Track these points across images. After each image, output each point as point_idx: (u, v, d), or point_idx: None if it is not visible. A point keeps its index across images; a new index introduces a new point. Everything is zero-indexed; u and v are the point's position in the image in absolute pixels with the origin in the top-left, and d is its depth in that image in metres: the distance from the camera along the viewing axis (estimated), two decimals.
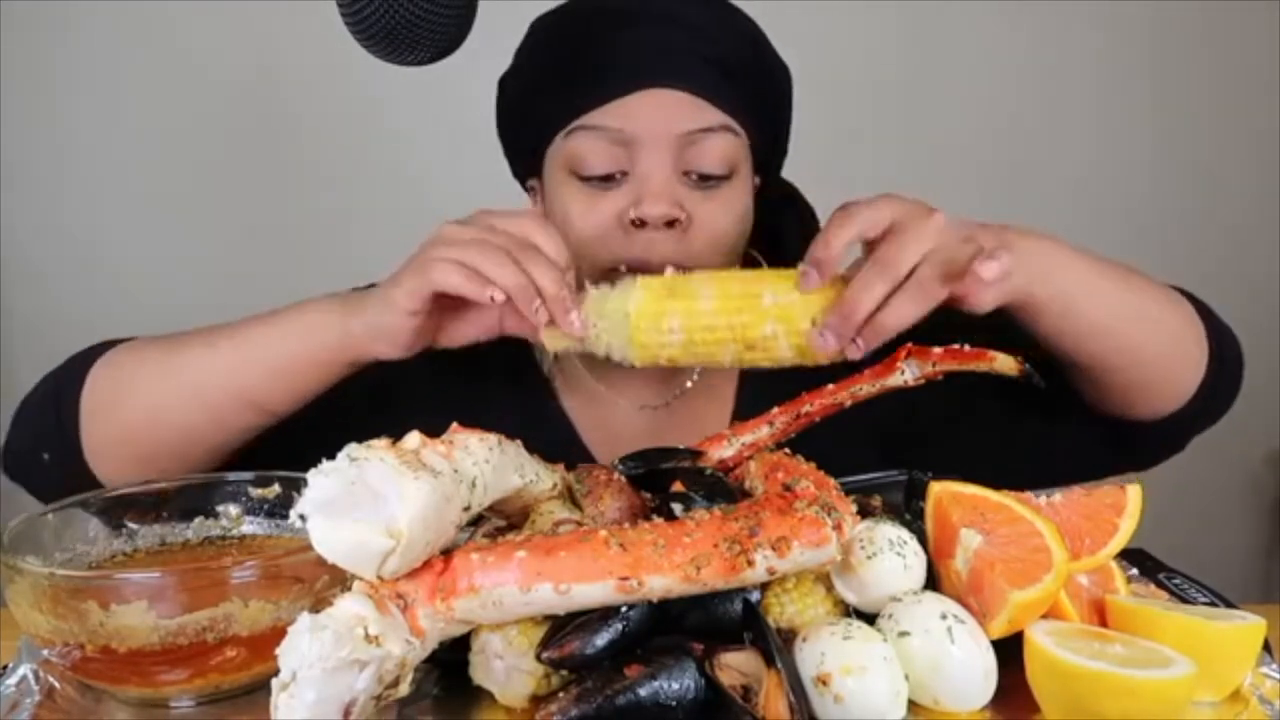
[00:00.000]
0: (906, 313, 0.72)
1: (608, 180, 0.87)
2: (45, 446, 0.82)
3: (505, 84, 0.98)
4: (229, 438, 0.84)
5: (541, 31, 0.95)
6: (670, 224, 0.85)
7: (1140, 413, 0.89)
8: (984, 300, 0.75)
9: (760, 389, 0.94)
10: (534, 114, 0.93)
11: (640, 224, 0.85)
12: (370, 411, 0.79)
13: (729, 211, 0.88)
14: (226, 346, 0.82)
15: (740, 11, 0.96)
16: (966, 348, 0.80)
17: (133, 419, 0.83)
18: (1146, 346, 0.84)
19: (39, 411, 0.87)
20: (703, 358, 0.77)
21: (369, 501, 0.53)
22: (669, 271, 0.79)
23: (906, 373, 0.79)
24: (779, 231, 1.03)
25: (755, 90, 0.92)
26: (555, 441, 0.91)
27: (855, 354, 0.73)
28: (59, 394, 0.85)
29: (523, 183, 1.02)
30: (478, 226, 0.76)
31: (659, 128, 0.85)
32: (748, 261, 0.99)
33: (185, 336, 0.85)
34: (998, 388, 0.91)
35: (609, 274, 0.87)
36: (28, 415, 0.88)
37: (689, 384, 1.02)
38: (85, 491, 0.74)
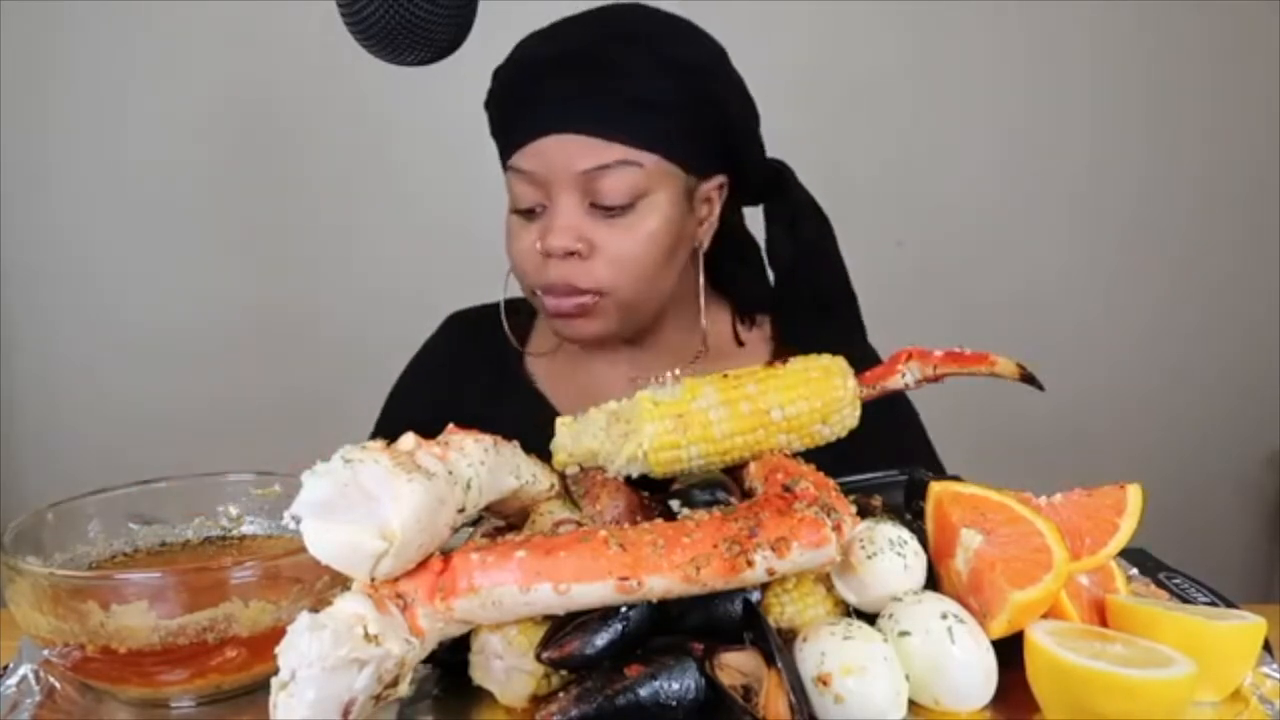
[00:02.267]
0: None
1: (532, 214, 0.98)
2: None
3: (486, 105, 1.03)
4: None
5: (504, 69, 1.01)
6: (572, 253, 0.94)
7: None
8: None
9: None
10: (496, 141, 1.02)
11: (548, 254, 0.95)
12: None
13: (632, 236, 0.95)
14: None
15: (683, 42, 0.98)
16: (966, 350, 0.80)
17: None
18: None
19: None
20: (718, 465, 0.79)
21: (362, 503, 0.53)
22: (669, 377, 0.77)
23: (907, 375, 0.79)
24: (768, 209, 1.10)
25: (688, 119, 0.96)
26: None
27: None
28: None
29: None
30: None
31: (561, 168, 0.94)
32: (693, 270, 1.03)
33: None
34: None
35: (536, 298, 1.00)
36: None
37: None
38: None
